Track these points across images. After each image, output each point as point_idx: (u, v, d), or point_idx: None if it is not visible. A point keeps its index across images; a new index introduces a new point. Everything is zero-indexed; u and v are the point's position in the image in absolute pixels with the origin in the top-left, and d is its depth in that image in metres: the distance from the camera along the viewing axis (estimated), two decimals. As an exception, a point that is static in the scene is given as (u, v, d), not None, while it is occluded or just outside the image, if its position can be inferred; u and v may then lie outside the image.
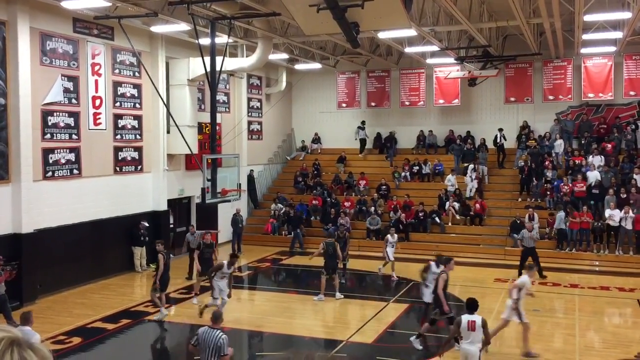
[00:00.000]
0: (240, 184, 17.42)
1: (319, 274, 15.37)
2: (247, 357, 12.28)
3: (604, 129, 23.33)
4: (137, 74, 18.36)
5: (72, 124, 16.12)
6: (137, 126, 18.52)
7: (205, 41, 16.33)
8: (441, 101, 25.18)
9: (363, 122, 26.11)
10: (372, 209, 22.43)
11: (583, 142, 23.01)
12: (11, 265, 13.67)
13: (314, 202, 23.62)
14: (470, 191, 22.66)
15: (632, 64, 22.68)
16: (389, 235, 17.80)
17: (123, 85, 17.96)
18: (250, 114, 24.77)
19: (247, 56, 20.05)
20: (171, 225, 20.06)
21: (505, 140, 23.70)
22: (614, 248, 19.20)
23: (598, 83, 22.99)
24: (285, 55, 22.36)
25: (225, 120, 22.55)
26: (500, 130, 23.76)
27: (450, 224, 21.78)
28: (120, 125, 17.88)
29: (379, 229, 21.72)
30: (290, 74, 26.57)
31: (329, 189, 24.44)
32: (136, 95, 18.45)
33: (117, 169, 17.82)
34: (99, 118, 17.06)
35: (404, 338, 12.21)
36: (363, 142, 26.25)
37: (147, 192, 18.96)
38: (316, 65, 24.52)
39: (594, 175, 20.89)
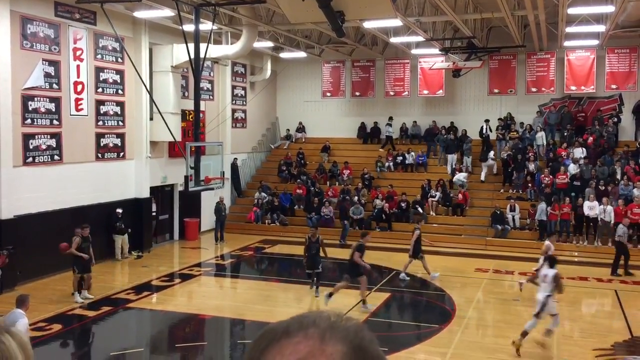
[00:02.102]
0: (223, 172, 17.36)
1: (302, 263, 15.34)
2: (228, 345, 12.31)
3: (583, 117, 23.57)
4: (119, 59, 18.16)
5: (53, 109, 15.92)
6: (119, 112, 18.34)
7: (189, 27, 16.19)
8: (425, 92, 25.25)
9: (390, 118, 25.53)
10: (356, 198, 22.49)
11: (565, 134, 23.24)
12: (7, 249, 13.55)
13: (297, 191, 23.63)
14: (462, 182, 22.54)
15: (614, 58, 22.91)
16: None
17: (105, 70, 17.76)
18: (234, 101, 24.65)
19: (231, 43, 19.90)
20: (154, 213, 19.95)
21: (491, 131, 23.85)
22: (593, 239, 19.47)
23: (580, 76, 23.19)
24: (270, 44, 22.24)
25: (209, 108, 22.42)
26: (487, 121, 23.90)
27: (432, 214, 21.91)
28: (102, 112, 17.69)
29: (362, 219, 21.80)
30: (275, 63, 26.45)
31: (312, 178, 24.45)
32: (119, 81, 18.26)
33: (99, 155, 17.65)
34: (81, 104, 16.86)
35: (385, 326, 12.31)
36: (389, 139, 25.51)
37: (129, 180, 18.81)
38: (301, 54, 24.44)
39: (574, 168, 21.12)
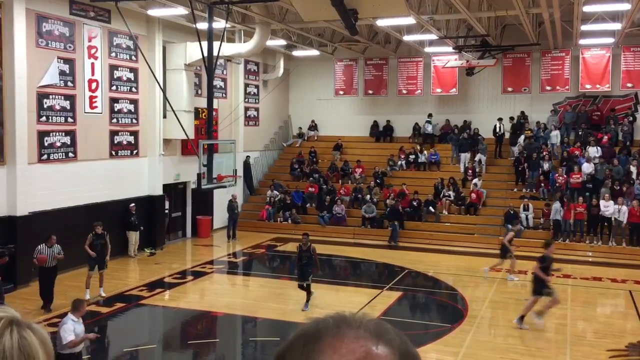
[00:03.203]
0: (236, 170, 17.41)
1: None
2: (240, 342, 12.35)
3: (598, 115, 23.36)
4: (133, 57, 18.26)
5: (68, 107, 16.05)
6: (133, 110, 18.46)
7: (202, 26, 16.25)
8: (439, 90, 25.14)
9: (430, 115, 25.23)
10: (368, 196, 22.47)
11: (580, 133, 23.04)
12: (7, 248, 13.65)
13: (309, 189, 23.64)
14: (475, 180, 22.44)
15: (630, 56, 22.67)
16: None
17: (119, 68, 17.87)
18: (247, 99, 24.70)
19: (244, 42, 19.94)
20: (166, 211, 20.05)
21: (505, 130, 23.67)
22: (607, 239, 19.31)
23: (595, 74, 22.97)
24: (283, 42, 22.26)
25: (221, 106, 22.49)
26: (500, 120, 23.76)
27: (445, 212, 21.84)
28: (116, 109, 17.81)
29: (374, 217, 21.78)
30: (288, 61, 26.46)
31: (325, 176, 24.45)
32: (132, 79, 18.36)
33: (113, 153, 17.77)
34: (95, 101, 16.98)
35: (397, 325, 12.27)
36: (430, 136, 25.14)
37: (142, 177, 18.93)
38: (314, 52, 24.43)
39: (588, 167, 20.94)
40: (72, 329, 8.20)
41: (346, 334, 0.97)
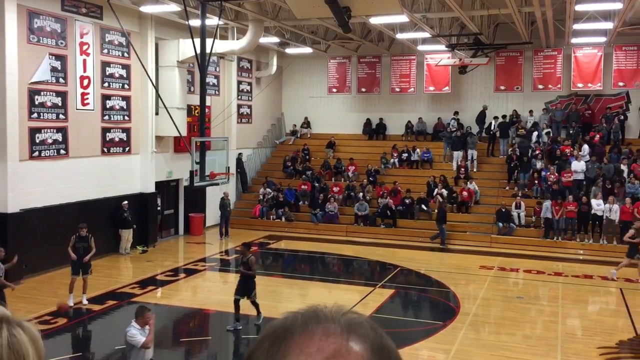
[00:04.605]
0: (228, 168, 17.37)
1: (306, 259, 15.39)
2: (232, 340, 12.33)
3: (589, 114, 23.47)
4: (125, 54, 18.18)
5: (60, 104, 15.96)
6: (125, 107, 18.38)
7: (195, 22, 16.19)
8: (431, 88, 25.18)
9: (456, 113, 24.78)
10: (361, 194, 22.49)
11: (571, 132, 23.15)
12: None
13: (302, 187, 23.63)
14: (465, 176, 22.52)
15: (621, 55, 22.78)
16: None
17: (112, 65, 17.78)
18: (239, 97, 24.65)
19: (237, 39, 19.89)
20: (159, 208, 20.00)
21: (499, 129, 23.73)
22: (599, 237, 19.41)
23: (587, 73, 23.08)
24: (276, 39, 22.22)
25: (214, 103, 22.43)
26: (496, 118, 23.82)
27: (437, 211, 21.84)
28: (108, 106, 17.73)
29: (367, 215, 21.80)
30: (281, 58, 26.43)
31: (317, 174, 24.45)
32: (125, 76, 18.28)
33: (105, 150, 17.70)
34: (87, 98, 16.90)
35: (389, 322, 12.32)
36: (454, 136, 23.96)
37: (134, 174, 18.86)
38: (307, 50, 24.41)
39: (579, 166, 21.04)
40: (138, 333, 7.69)
41: (315, 330, 0.92)
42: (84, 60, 16.70)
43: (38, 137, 15.35)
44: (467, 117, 24.80)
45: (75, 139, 16.45)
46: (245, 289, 11.78)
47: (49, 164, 15.73)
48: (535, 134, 23.06)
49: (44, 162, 15.55)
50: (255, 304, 11.86)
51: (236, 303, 11.76)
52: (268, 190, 23.52)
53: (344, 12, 11.81)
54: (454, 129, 24.14)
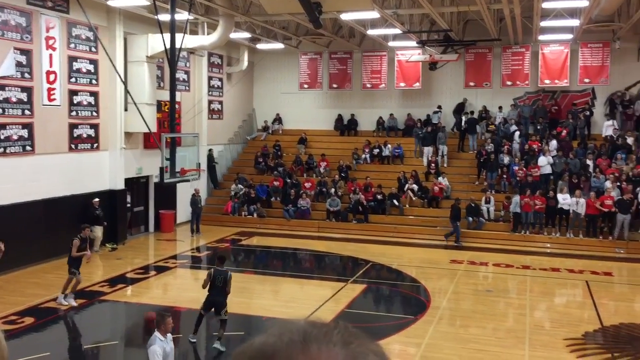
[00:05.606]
0: (199, 164, 17.24)
1: (279, 255, 15.35)
2: (204, 337, 12.26)
3: (556, 110, 23.90)
4: (93, 49, 17.88)
5: (25, 99, 15.63)
6: (93, 103, 18.08)
7: (165, 17, 15.99)
8: (402, 84, 25.34)
9: (439, 107, 24.92)
10: (333, 190, 22.53)
11: (539, 127, 23.54)
12: None
13: (274, 183, 23.58)
14: (435, 171, 22.76)
15: (587, 52, 23.23)
16: None
17: (79, 60, 17.47)
18: (210, 92, 24.46)
19: (208, 34, 19.72)
20: (128, 205, 19.75)
21: (468, 125, 23.99)
22: (565, 231, 19.80)
23: (554, 70, 23.48)
24: (247, 34, 22.09)
25: (185, 99, 22.22)
26: (466, 114, 24.09)
27: (408, 206, 22.05)
28: (75, 102, 17.42)
29: (338, 210, 21.86)
30: (252, 54, 26.29)
31: (289, 170, 24.42)
32: (92, 71, 17.98)
33: (72, 146, 17.39)
34: (53, 94, 16.58)
35: (361, 317, 12.40)
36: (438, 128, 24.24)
37: (103, 171, 18.59)
38: (278, 45, 24.33)
39: (546, 160, 21.41)
40: (160, 352, 7.13)
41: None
42: (50, 55, 16.38)
43: (3, 134, 15.02)
44: (437, 116, 25.01)
45: (41, 135, 16.14)
46: (219, 303, 10.59)
47: (15, 160, 15.40)
48: (517, 133, 23.19)
49: (9, 159, 15.21)
50: (224, 323, 10.59)
51: (201, 318, 10.72)
52: (239, 186, 23.42)
53: (314, 8, 11.81)
54: (436, 123, 24.41)
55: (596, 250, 18.72)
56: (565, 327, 11.82)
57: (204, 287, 10.81)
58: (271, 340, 0.84)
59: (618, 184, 19.74)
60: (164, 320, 7.40)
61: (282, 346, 0.82)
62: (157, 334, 7.29)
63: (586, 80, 23.38)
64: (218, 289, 10.60)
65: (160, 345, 7.19)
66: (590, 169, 21.10)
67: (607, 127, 22.55)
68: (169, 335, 7.42)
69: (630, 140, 21.85)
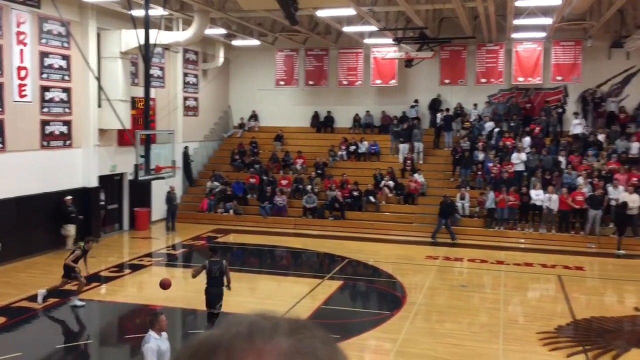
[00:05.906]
0: (174, 161, 17.09)
1: (255, 252, 15.29)
2: (180, 335, 12.18)
3: (530, 107, 24.24)
4: (65, 44, 17.60)
5: (-5, 96, 15.34)
6: (66, 99, 17.81)
7: (139, 12, 15.80)
8: (378, 81, 25.42)
9: (416, 101, 25.09)
10: (309, 187, 22.54)
11: (512, 124, 23.82)
12: None
13: (250, 180, 23.50)
14: (411, 168, 22.93)
15: (560, 50, 23.57)
16: None
17: (50, 56, 17.19)
18: (186, 89, 24.26)
19: (183, 30, 19.55)
20: (102, 203, 19.50)
21: (444, 122, 24.18)
22: (538, 227, 20.09)
23: (528, 67, 23.78)
24: (222, 31, 21.95)
25: (159, 96, 22.01)
26: (441, 111, 24.26)
27: (384, 202, 22.16)
28: (47, 98, 17.14)
29: (315, 207, 21.88)
30: (228, 50, 26.13)
31: (266, 167, 24.36)
32: (65, 66, 17.70)
33: (44, 143, 17.11)
34: (24, 90, 16.28)
35: (337, 314, 12.43)
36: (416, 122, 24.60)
37: (76, 168, 18.33)
38: (254, 42, 24.22)
39: (520, 157, 21.68)
40: (155, 349, 7.12)
41: (247, 352, 0.79)
42: (21, 51, 16.08)
43: (-28, 130, 14.72)
44: (413, 110, 25.15)
45: (12, 132, 15.84)
46: (219, 295, 10.55)
47: (-15, 158, 15.10)
48: (495, 130, 23.40)
49: (-21, 156, 14.91)
50: (216, 317, 10.59)
51: (210, 318, 10.59)
52: (215, 183, 23.29)
53: (290, 4, 11.78)
54: (414, 117, 24.49)
55: (568, 245, 19.02)
56: (538, 321, 11.99)
57: (193, 276, 10.92)
58: (217, 332, 0.83)
59: (590, 180, 20.09)
60: (158, 318, 7.36)
61: (227, 337, 0.81)
62: (151, 332, 7.26)
63: (559, 78, 23.72)
64: (216, 280, 10.62)
65: (155, 344, 7.16)
66: (563, 166, 21.44)
67: (575, 125, 22.92)
68: (164, 334, 7.35)
69: (601, 137, 22.24)
